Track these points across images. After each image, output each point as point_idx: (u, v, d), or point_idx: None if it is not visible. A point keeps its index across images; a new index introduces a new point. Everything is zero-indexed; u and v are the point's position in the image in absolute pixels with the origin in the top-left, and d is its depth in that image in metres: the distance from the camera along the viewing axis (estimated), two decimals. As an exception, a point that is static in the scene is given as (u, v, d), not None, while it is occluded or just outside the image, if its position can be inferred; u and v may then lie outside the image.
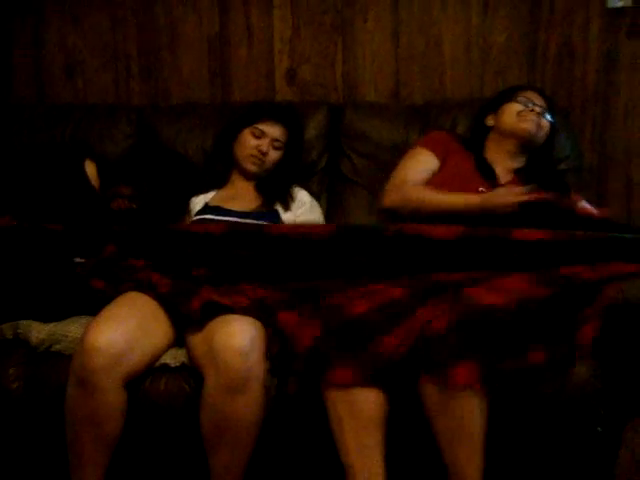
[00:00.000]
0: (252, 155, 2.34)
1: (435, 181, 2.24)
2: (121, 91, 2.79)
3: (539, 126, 2.26)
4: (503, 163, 2.30)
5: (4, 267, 2.00)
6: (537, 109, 2.26)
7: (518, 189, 2.05)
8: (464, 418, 1.66)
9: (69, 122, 2.60)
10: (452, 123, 2.52)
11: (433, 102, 2.61)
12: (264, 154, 2.34)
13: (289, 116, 2.43)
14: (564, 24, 2.62)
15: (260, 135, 2.35)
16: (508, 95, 2.32)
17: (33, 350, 1.92)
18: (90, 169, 2.30)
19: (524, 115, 2.25)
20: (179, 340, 1.90)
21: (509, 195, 2.03)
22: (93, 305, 1.99)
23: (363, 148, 2.54)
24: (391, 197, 2.22)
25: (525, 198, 1.99)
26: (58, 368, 1.85)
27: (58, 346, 1.90)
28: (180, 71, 2.77)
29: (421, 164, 2.28)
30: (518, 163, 2.31)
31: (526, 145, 2.28)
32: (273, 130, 2.35)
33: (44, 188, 2.23)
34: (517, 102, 2.28)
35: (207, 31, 2.74)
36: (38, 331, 1.92)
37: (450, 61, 2.69)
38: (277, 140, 2.36)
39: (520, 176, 2.28)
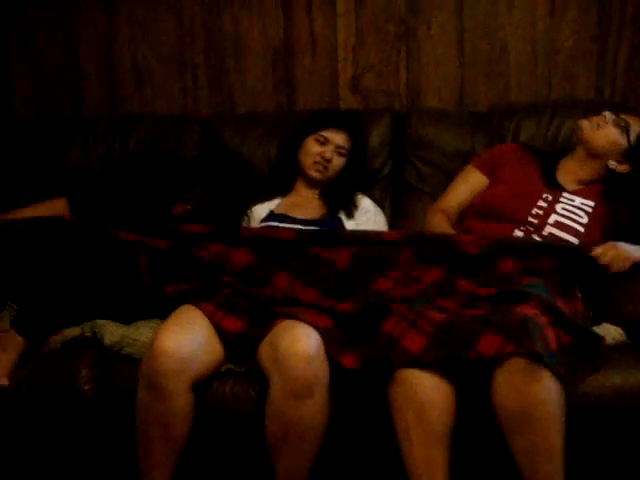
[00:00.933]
0: (316, 162, 2.36)
1: (488, 194, 2.28)
2: (188, 101, 2.84)
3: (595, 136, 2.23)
4: (573, 172, 2.27)
5: (80, 266, 2.07)
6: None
7: None
8: (544, 433, 1.63)
9: (138, 133, 2.66)
10: (516, 129, 2.50)
11: (498, 108, 2.59)
12: (328, 161, 2.35)
13: (352, 123, 2.44)
14: (635, 27, 2.57)
15: (324, 142, 2.36)
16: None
17: (105, 352, 1.97)
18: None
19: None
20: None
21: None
22: (163, 308, 2.04)
23: (427, 155, 2.53)
24: (427, 216, 2.37)
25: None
26: (128, 371, 1.89)
27: (129, 349, 1.95)
28: (245, 80, 2.81)
29: (466, 184, 2.37)
30: (588, 175, 2.26)
31: (593, 155, 2.24)
32: (337, 137, 2.37)
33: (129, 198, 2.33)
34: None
35: (272, 40, 2.77)
36: (112, 333, 1.97)
37: (516, 67, 2.66)
38: (341, 147, 2.37)
39: (590, 187, 2.24)
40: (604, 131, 2.20)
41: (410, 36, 2.69)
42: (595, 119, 2.22)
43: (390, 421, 1.74)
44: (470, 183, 2.36)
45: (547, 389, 1.63)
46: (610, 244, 2.00)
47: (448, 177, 2.48)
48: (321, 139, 2.36)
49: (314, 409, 1.76)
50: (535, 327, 1.66)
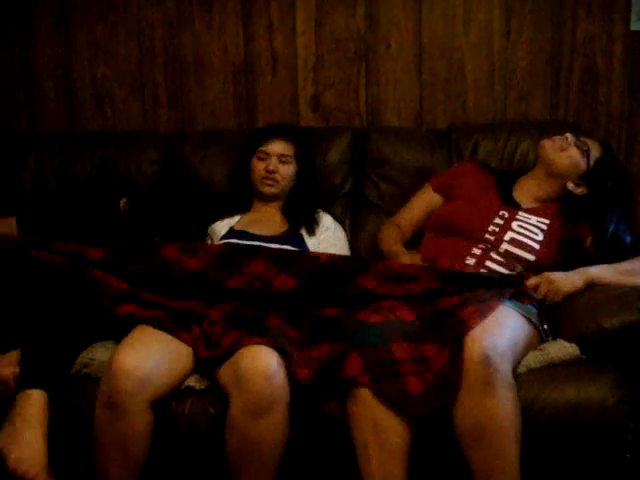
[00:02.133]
0: (264, 177, 2.38)
1: (445, 210, 2.32)
2: (149, 119, 2.83)
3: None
4: (530, 190, 2.31)
5: (30, 298, 2.02)
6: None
7: None
8: (498, 447, 1.64)
9: (97, 150, 2.64)
10: (473, 147, 2.54)
11: (456, 126, 2.62)
12: (272, 172, 2.37)
13: (286, 130, 2.47)
14: (587, 48, 2.63)
15: (265, 156, 2.39)
16: None
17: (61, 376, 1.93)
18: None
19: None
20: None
21: None
22: (118, 330, 2.01)
23: (387, 173, 2.56)
24: (379, 234, 2.45)
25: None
26: (86, 391, 1.86)
27: (86, 370, 1.93)
28: (206, 98, 2.81)
29: (421, 203, 2.43)
30: (545, 193, 2.30)
31: (553, 175, 2.27)
32: (275, 147, 2.39)
33: (81, 222, 2.31)
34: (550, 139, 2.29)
35: (232, 59, 2.78)
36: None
37: (473, 86, 2.70)
38: (282, 155, 2.40)
39: (546, 206, 2.28)
40: (566, 153, 2.24)
41: (369, 55, 2.72)
42: (558, 140, 2.26)
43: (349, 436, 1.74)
44: (425, 202, 2.42)
45: (502, 403, 1.65)
46: (545, 276, 2.02)
47: (407, 194, 2.51)
48: (262, 155, 2.40)
49: (274, 426, 1.76)
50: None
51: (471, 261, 2.15)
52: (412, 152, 2.56)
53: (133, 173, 2.58)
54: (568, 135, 2.26)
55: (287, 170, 2.40)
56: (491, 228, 2.21)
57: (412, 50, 2.70)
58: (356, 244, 2.50)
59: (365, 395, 1.71)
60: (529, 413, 1.74)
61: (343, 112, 2.77)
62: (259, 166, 2.39)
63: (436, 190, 2.41)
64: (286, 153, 2.40)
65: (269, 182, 2.38)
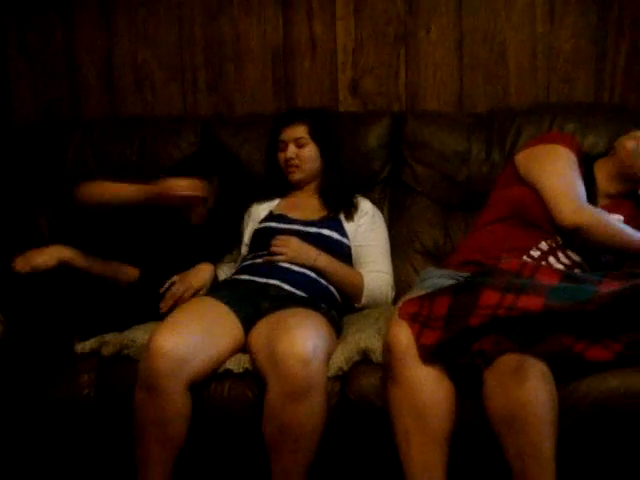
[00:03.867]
0: (286, 167, 2.38)
1: (526, 195, 2.12)
2: (188, 103, 2.85)
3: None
4: (601, 187, 2.18)
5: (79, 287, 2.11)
6: None
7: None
8: (532, 435, 1.61)
9: (138, 133, 2.66)
10: (516, 131, 2.49)
11: (497, 110, 2.58)
12: (291, 159, 2.36)
13: (295, 112, 2.46)
14: (633, 31, 2.56)
15: (284, 146, 2.38)
16: None
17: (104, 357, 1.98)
18: None
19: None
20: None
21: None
22: (158, 312, 2.05)
23: (425, 157, 2.52)
24: (580, 218, 2.00)
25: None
26: (127, 373, 1.90)
27: (127, 351, 1.95)
28: (245, 83, 2.81)
29: (575, 167, 2.13)
30: (615, 191, 2.18)
31: (627, 177, 2.15)
32: (289, 133, 2.37)
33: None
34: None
35: (271, 43, 2.78)
36: (108, 344, 1.99)
37: (515, 69, 2.66)
38: (297, 138, 2.37)
39: (616, 202, 2.17)
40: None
41: (409, 39, 2.69)
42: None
43: (388, 421, 1.74)
44: (577, 172, 2.13)
45: (534, 391, 1.62)
46: None
47: (445, 179, 2.49)
48: (281, 145, 2.39)
49: (311, 411, 1.77)
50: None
51: (535, 253, 2.07)
52: (451, 136, 2.52)
53: (172, 156, 2.59)
54: None
55: (306, 152, 2.37)
56: None
57: (452, 34, 2.66)
58: (394, 229, 2.48)
59: (410, 380, 1.70)
60: (570, 402, 1.71)
61: (382, 96, 2.75)
62: (281, 157, 2.39)
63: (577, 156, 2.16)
64: (299, 135, 2.37)
65: (292, 169, 2.37)
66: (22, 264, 2.11)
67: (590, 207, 2.05)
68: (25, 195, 2.67)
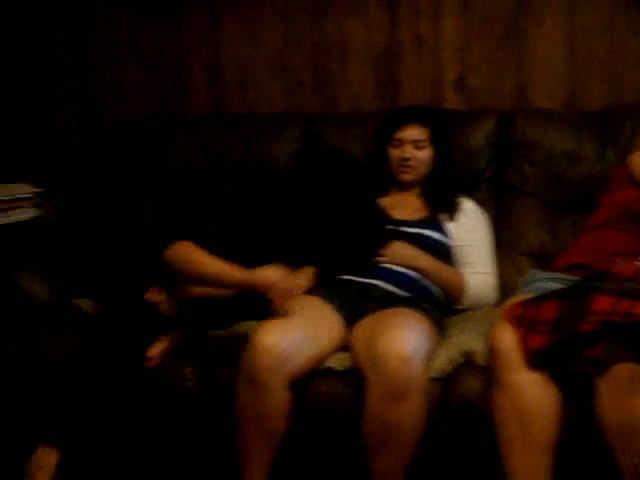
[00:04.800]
0: (400, 165, 2.32)
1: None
2: (291, 102, 2.86)
3: None
4: None
5: None
6: None
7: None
8: None
9: (242, 130, 2.69)
10: (631, 131, 2.38)
11: (611, 109, 2.49)
12: (407, 159, 2.30)
13: (420, 113, 2.37)
14: None
15: (399, 144, 2.31)
16: None
17: (208, 351, 2.02)
18: None
19: None
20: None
21: None
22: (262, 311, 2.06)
23: (533, 156, 2.45)
24: None
25: None
26: (230, 367, 1.92)
27: (230, 345, 1.98)
28: (349, 82, 2.81)
29: None
30: None
31: None
32: (409, 133, 2.30)
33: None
34: None
35: (376, 41, 2.76)
36: (212, 334, 2.03)
37: (633, 65, 2.55)
38: (417, 141, 2.30)
39: None
40: None
41: (520, 35, 2.63)
42: None
43: (491, 426, 1.70)
44: None
45: None
46: None
47: (554, 179, 2.41)
48: (396, 142, 2.31)
49: (410, 411, 1.75)
50: None
51: None
52: (560, 135, 2.43)
53: (276, 154, 2.61)
54: None
55: (423, 155, 2.32)
56: None
57: (565, 28, 2.58)
58: (499, 230, 2.42)
59: (516, 384, 1.66)
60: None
61: (488, 94, 2.69)
62: (394, 154, 2.33)
63: None
64: (420, 138, 2.31)
65: (405, 169, 2.32)
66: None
67: None
68: (129, 188, 2.75)
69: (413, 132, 2.31)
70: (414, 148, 2.30)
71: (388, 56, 2.76)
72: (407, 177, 2.33)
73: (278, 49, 2.85)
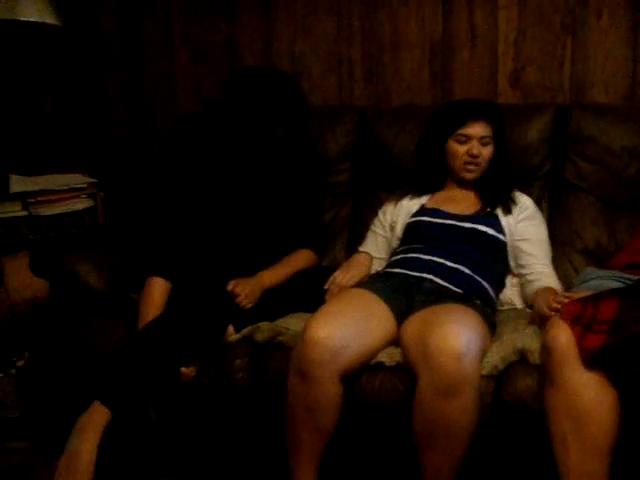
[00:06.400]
0: (466, 162, 2.26)
1: None
2: (344, 94, 2.86)
3: None
4: None
5: None
6: None
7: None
8: None
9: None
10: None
11: (674, 103, 2.43)
12: (476, 156, 2.24)
13: (487, 108, 2.31)
14: None
15: (465, 140, 2.25)
16: None
17: (257, 343, 2.02)
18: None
19: None
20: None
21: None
22: (312, 303, 2.06)
23: (590, 152, 2.41)
24: None
25: None
26: (279, 359, 1.93)
27: (280, 338, 1.99)
28: (402, 74, 2.79)
29: None
30: None
31: None
32: (476, 129, 2.25)
33: None
34: None
35: (429, 34, 2.74)
36: (262, 330, 2.03)
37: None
38: (483, 137, 2.25)
39: None
40: None
41: (577, 27, 2.58)
42: None
43: (544, 425, 1.67)
44: None
45: None
46: None
47: (612, 175, 2.36)
48: (462, 138, 2.25)
49: (462, 408, 1.73)
50: None
51: None
52: (619, 131, 2.38)
53: (329, 146, 2.61)
54: None
55: (487, 152, 2.27)
56: None
57: (625, 21, 2.52)
58: (554, 226, 2.39)
59: (572, 383, 1.63)
60: None
61: (544, 88, 2.65)
62: (460, 150, 2.26)
63: None
64: (487, 134, 2.26)
65: (471, 167, 2.26)
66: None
67: None
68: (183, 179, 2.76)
69: (481, 128, 2.25)
70: (480, 145, 2.25)
71: (441, 49, 2.73)
72: (471, 176, 2.29)
73: (331, 42, 2.84)
